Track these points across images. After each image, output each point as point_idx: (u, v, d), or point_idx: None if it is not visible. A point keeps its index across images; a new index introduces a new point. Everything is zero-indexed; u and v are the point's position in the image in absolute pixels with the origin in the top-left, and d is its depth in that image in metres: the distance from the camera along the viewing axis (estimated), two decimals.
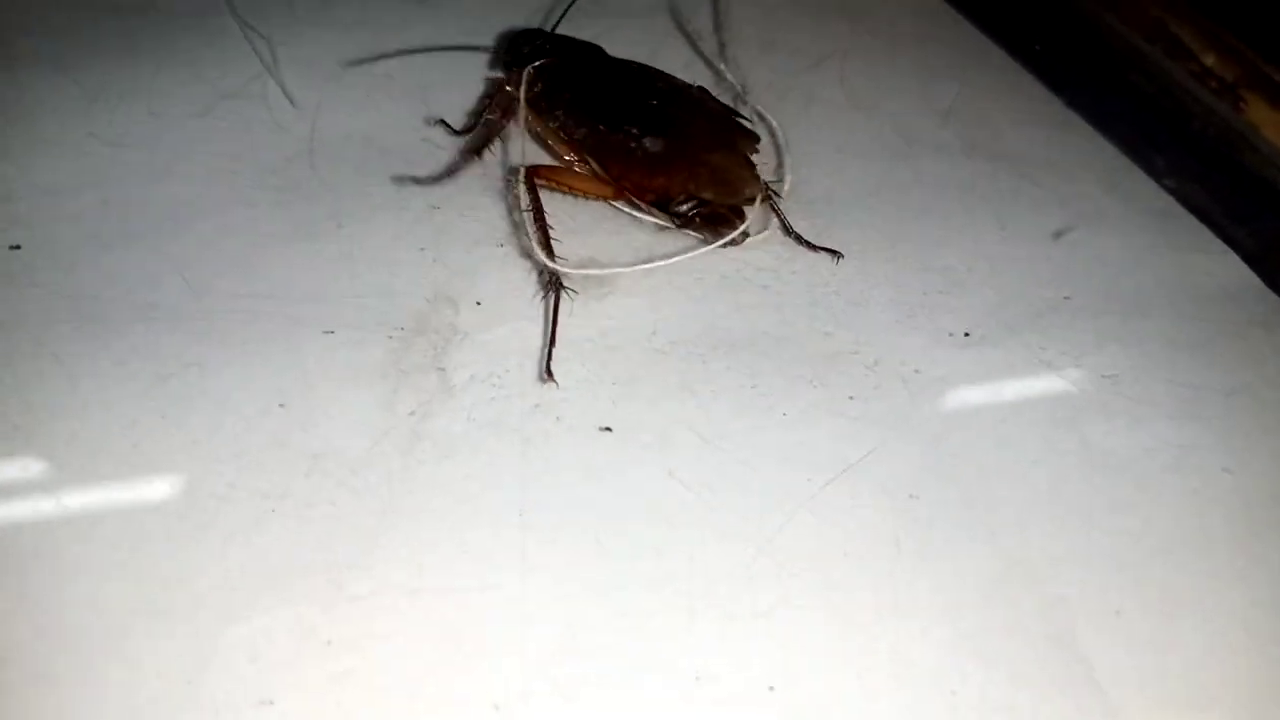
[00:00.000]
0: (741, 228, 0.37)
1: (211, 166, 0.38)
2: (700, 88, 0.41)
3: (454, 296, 0.35)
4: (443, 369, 0.33)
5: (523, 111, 0.39)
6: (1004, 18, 0.52)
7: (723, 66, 0.45)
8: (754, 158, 0.39)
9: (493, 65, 0.44)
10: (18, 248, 0.34)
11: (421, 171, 0.39)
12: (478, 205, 0.38)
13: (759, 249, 0.38)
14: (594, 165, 0.38)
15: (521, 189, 0.36)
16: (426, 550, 0.28)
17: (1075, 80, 0.50)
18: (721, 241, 0.37)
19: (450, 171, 0.39)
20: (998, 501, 0.32)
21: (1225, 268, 0.41)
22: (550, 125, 0.39)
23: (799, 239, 0.39)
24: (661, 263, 0.37)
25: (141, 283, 0.34)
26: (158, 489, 0.29)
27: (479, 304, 0.35)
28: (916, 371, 0.35)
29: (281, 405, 0.31)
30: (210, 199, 0.37)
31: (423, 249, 0.36)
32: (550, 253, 0.35)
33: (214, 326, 0.33)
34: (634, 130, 0.37)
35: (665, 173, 0.37)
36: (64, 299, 0.33)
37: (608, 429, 0.32)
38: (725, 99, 0.42)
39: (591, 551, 0.29)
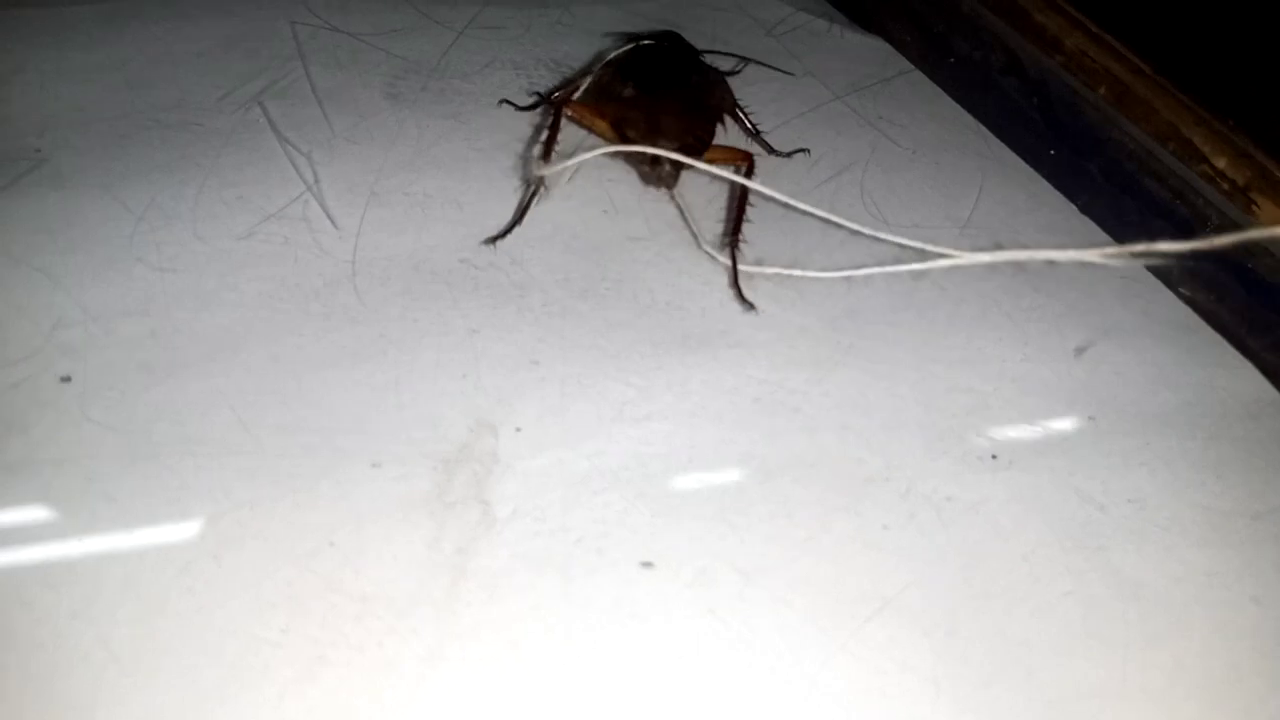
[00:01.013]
0: (669, 173, 0.43)
1: (257, 292, 0.39)
2: (729, 104, 0.48)
3: (495, 423, 0.36)
4: (486, 502, 0.34)
5: (599, 72, 0.47)
6: (1018, 122, 0.54)
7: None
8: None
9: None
10: (68, 379, 0.35)
11: (462, 292, 0.40)
12: (515, 328, 0.39)
13: (788, 370, 0.39)
14: (593, 106, 0.45)
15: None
16: (472, 699, 0.29)
17: (1089, 186, 0.51)
18: (657, 180, 0.43)
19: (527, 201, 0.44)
20: (1032, 636, 0.32)
21: (1245, 382, 0.42)
22: (598, 71, 0.47)
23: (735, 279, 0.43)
24: (619, 148, 0.43)
25: (191, 416, 0.34)
26: (211, 638, 0.29)
27: (519, 430, 0.36)
28: (948, 499, 0.36)
29: (331, 544, 0.32)
30: (256, 326, 0.38)
31: (464, 375, 0.37)
32: (546, 158, 0.42)
33: (264, 463, 0.33)
34: (630, 82, 0.45)
35: (618, 108, 0.44)
36: (115, 434, 0.34)
37: (648, 564, 0.33)
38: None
39: (636, 698, 0.29)
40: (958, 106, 0.55)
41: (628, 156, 0.44)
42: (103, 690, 0.28)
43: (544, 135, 0.43)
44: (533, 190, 0.43)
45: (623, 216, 0.45)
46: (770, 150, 0.49)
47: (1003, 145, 0.53)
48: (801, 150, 0.49)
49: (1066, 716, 0.30)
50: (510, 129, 0.48)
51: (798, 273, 0.42)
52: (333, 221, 0.42)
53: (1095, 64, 0.56)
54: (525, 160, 0.46)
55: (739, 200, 0.43)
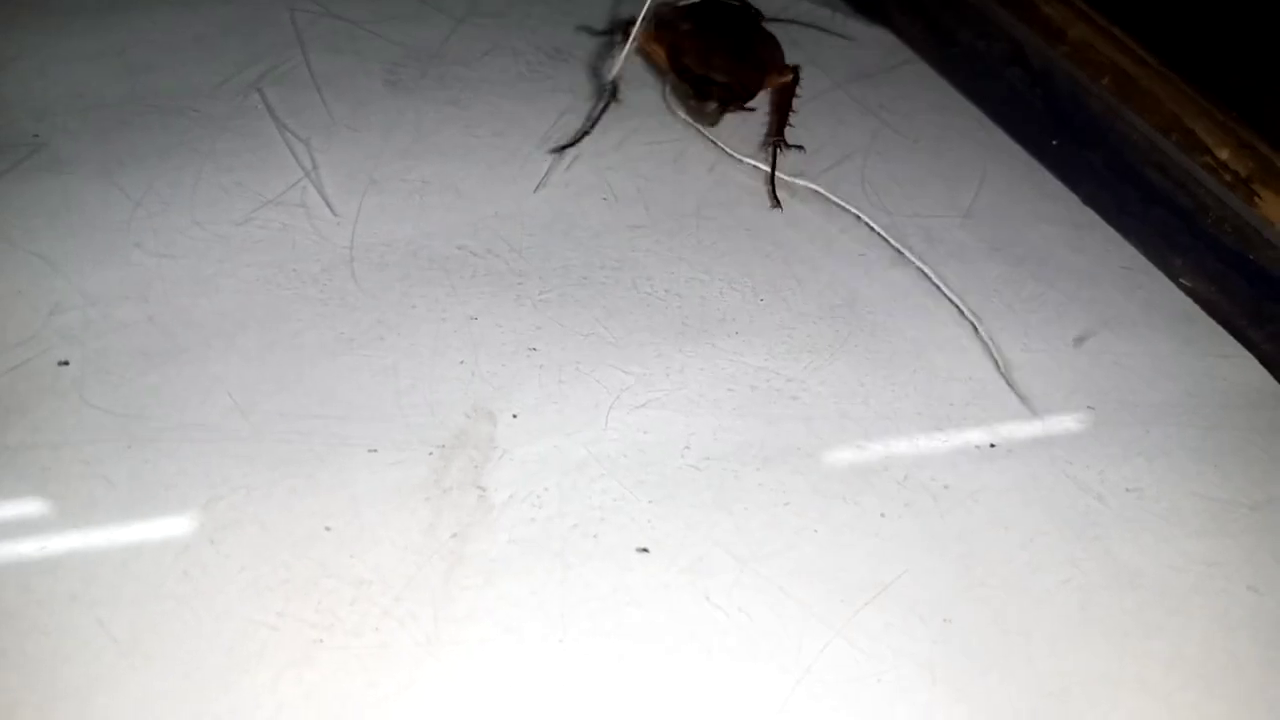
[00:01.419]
0: (710, 107, 0.46)
1: (254, 277, 0.39)
2: (772, 62, 0.50)
3: (492, 410, 0.36)
4: (483, 488, 0.34)
5: (666, 11, 0.49)
6: (1022, 113, 0.54)
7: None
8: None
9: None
10: (66, 364, 0.35)
11: (461, 278, 0.40)
12: (513, 314, 0.39)
13: (786, 358, 0.39)
14: (655, 34, 0.49)
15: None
16: (469, 682, 0.29)
17: (1091, 176, 0.51)
18: (703, 116, 0.47)
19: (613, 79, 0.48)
20: (1030, 625, 0.32)
21: (1245, 373, 0.42)
22: (666, 10, 0.50)
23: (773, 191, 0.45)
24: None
25: (189, 401, 0.34)
26: (208, 622, 0.29)
27: (515, 417, 0.36)
28: (946, 487, 0.36)
29: (328, 529, 0.32)
30: (254, 312, 0.38)
31: (462, 361, 0.37)
32: (619, 64, 0.47)
33: (261, 448, 0.33)
34: (691, 21, 0.49)
35: (673, 37, 0.48)
36: (113, 418, 0.34)
37: (644, 550, 0.33)
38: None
39: (632, 684, 0.29)
40: (961, 96, 0.55)
41: (676, 90, 0.48)
42: (101, 673, 0.28)
43: (615, 50, 0.48)
44: (604, 103, 0.47)
45: (622, 205, 0.45)
46: (781, 136, 0.48)
47: (1006, 135, 0.52)
48: (797, 147, 0.49)
49: (1064, 705, 0.30)
50: (509, 116, 0.48)
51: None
52: (331, 208, 0.42)
53: (1099, 55, 0.56)
54: (598, 76, 0.50)
55: (784, 104, 0.46)
